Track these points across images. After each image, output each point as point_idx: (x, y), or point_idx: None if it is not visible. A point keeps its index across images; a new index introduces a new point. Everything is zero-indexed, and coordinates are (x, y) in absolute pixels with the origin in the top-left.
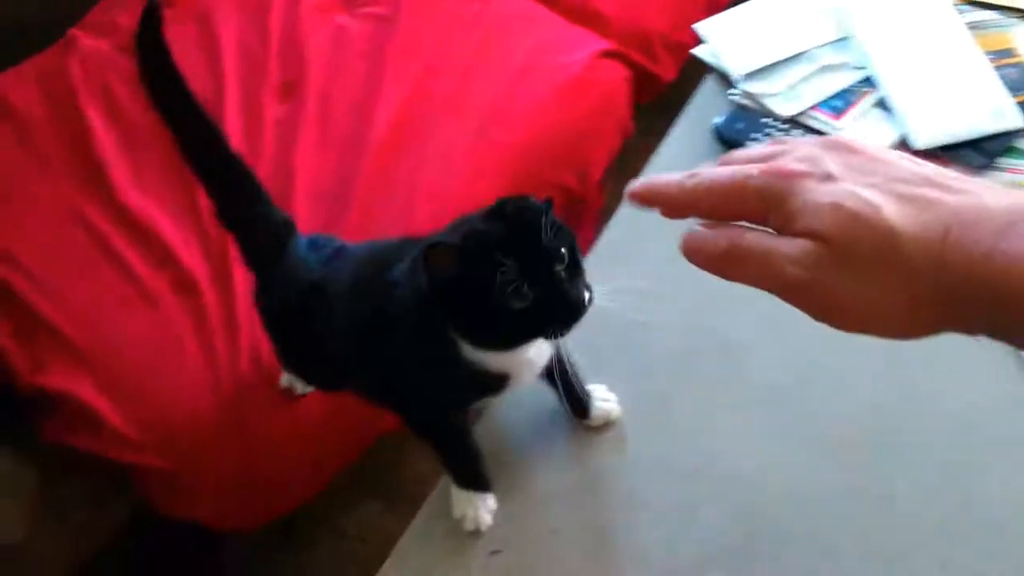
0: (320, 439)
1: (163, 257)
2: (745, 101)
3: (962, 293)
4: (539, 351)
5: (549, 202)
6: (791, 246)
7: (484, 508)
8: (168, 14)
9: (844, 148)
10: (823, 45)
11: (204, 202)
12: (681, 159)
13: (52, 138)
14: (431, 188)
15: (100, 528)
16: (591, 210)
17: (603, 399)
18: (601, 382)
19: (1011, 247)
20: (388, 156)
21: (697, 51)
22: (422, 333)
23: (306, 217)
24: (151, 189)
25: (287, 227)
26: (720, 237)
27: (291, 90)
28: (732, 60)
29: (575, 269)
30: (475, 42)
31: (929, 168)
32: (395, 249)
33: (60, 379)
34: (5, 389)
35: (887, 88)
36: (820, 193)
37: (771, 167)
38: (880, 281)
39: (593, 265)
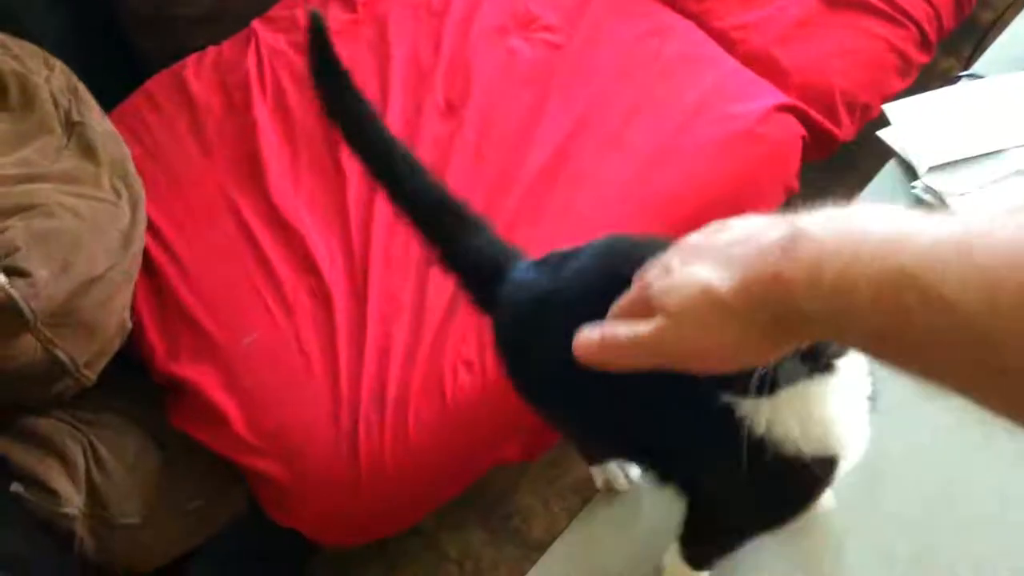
0: (433, 468)
1: (305, 263)
2: (927, 197)
3: (776, 314)
4: (853, 423)
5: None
6: (649, 324)
7: None
8: (349, 17)
9: (682, 246)
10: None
11: (354, 211)
12: None
13: (220, 126)
14: (579, 227)
15: (214, 517)
16: None
17: None
18: None
19: (789, 265)
20: (539, 189)
21: (882, 134)
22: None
23: None
24: (303, 189)
25: (508, 257)
26: (594, 334)
27: (453, 108)
28: (918, 150)
29: None
30: (646, 79)
31: (735, 231)
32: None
33: (192, 370)
34: (142, 371)
35: None
36: (664, 283)
37: (635, 285)
38: (717, 328)
39: None
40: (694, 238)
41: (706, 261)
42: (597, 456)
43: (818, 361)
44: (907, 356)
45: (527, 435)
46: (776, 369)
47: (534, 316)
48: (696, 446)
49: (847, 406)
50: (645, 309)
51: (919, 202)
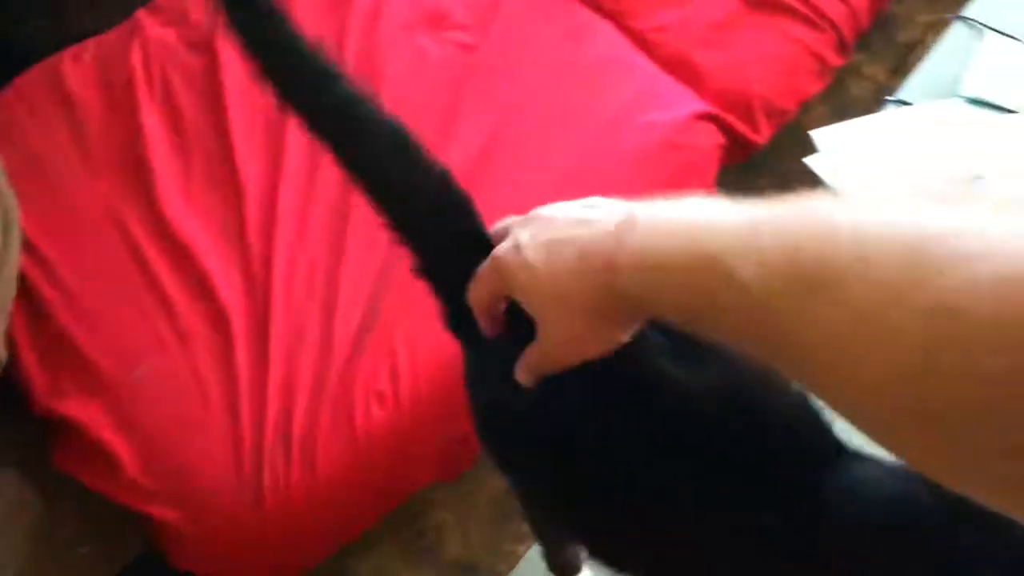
0: (345, 505)
1: (200, 285)
2: None
3: (607, 294)
4: None
5: None
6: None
7: None
8: None
9: (532, 218)
10: (953, 179)
11: (253, 227)
12: None
13: (103, 130)
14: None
15: (108, 562)
16: None
17: None
18: None
19: (619, 251)
20: None
21: (810, 162)
22: None
23: (356, 266)
24: (197, 202)
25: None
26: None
27: None
28: (846, 182)
29: None
30: (564, 86)
31: (577, 209)
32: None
33: (77, 407)
34: (21, 407)
35: None
36: (517, 268)
37: (490, 259)
38: (572, 321)
39: None
40: (544, 210)
41: (543, 246)
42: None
43: None
44: (713, 328)
45: (442, 460)
46: None
47: None
48: None
49: None
50: (499, 287)
51: None
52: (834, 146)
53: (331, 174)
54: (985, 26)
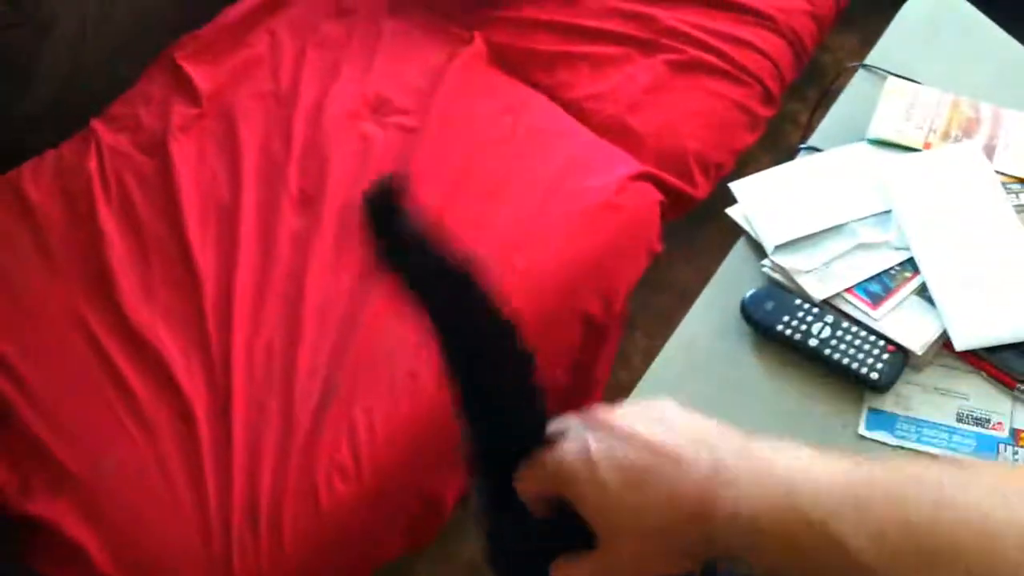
0: None
1: (163, 379)
2: (777, 276)
3: (697, 541)
4: None
5: None
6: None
7: None
8: (194, 112)
9: (603, 426)
10: (863, 219)
11: (210, 314)
12: (704, 336)
13: (65, 239)
14: None
15: None
16: (611, 340)
17: None
18: None
19: (710, 505)
20: None
21: (731, 211)
22: None
23: (311, 346)
24: (159, 302)
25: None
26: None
27: (308, 199)
28: (764, 228)
29: None
30: (503, 158)
31: (652, 426)
32: None
33: (47, 507)
34: None
35: (928, 277)
36: (586, 484)
37: (555, 460)
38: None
39: None
40: (613, 418)
41: (624, 468)
42: None
43: None
44: None
45: (410, 528)
46: None
47: None
48: None
49: None
50: (558, 487)
51: (770, 280)
52: (751, 196)
53: (283, 261)
54: (887, 71)
